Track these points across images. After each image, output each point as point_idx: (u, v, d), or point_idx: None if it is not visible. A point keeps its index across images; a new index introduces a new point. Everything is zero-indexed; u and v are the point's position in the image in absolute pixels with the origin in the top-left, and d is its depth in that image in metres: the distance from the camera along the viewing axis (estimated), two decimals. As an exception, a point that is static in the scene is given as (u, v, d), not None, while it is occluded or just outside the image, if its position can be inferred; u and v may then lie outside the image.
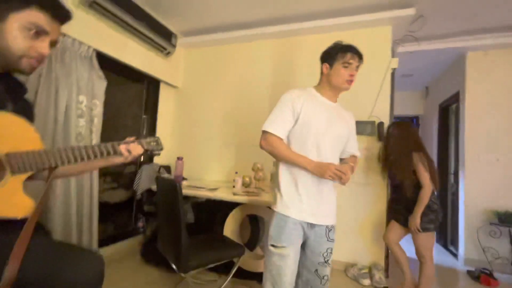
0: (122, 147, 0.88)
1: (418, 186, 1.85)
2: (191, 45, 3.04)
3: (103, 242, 2.33)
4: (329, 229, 1.24)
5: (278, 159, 1.22)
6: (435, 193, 1.90)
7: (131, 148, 0.90)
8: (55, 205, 1.76)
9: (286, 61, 2.71)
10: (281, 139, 1.19)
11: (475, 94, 2.79)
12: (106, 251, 2.36)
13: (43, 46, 0.75)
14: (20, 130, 0.72)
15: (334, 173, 1.08)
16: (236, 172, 2.45)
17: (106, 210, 2.71)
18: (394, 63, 2.38)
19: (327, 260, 1.23)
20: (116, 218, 2.88)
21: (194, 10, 2.49)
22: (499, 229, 2.54)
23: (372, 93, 2.39)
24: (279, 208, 1.19)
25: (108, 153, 0.85)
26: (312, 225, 1.19)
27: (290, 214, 1.16)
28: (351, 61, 1.19)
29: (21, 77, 0.86)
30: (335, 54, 1.22)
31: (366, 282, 2.12)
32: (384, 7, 2.24)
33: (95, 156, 0.82)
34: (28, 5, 0.71)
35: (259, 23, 2.63)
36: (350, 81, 1.22)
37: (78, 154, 0.79)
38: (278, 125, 1.19)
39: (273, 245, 1.17)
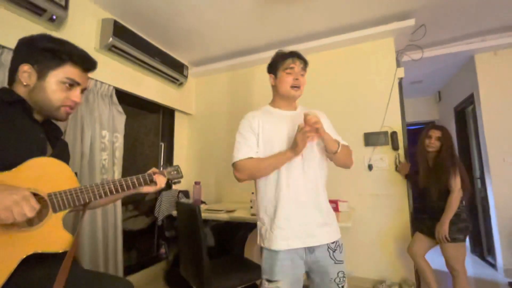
0: (151, 179, 0.96)
1: (445, 193, 1.78)
2: (201, 73, 3.21)
3: (127, 270, 2.37)
4: (333, 249, 1.09)
5: (261, 174, 1.12)
6: (463, 201, 1.82)
7: (158, 180, 0.97)
8: (83, 235, 1.84)
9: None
10: (252, 158, 1.11)
11: (490, 95, 2.73)
12: (131, 279, 2.39)
13: (76, 95, 0.87)
14: (59, 171, 0.81)
15: (307, 131, 1.00)
16: (253, 193, 2.47)
17: (129, 238, 2.78)
18: (400, 72, 2.40)
19: (342, 287, 1.08)
20: (139, 245, 2.94)
21: (202, 41, 2.66)
22: (538, 235, 2.36)
23: (382, 104, 2.40)
24: (263, 242, 1.10)
25: (134, 186, 0.92)
26: (310, 249, 1.07)
27: (275, 247, 1.04)
28: (292, 65, 1.17)
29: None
30: (276, 63, 1.21)
31: (397, 300, 2.01)
32: (384, 20, 2.30)
33: (122, 189, 0.89)
34: (63, 62, 0.83)
35: (264, 48, 2.76)
36: (296, 87, 1.17)
37: (107, 189, 0.86)
38: (244, 150, 1.13)
39: (267, 280, 1.06)
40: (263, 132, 1.15)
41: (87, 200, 0.82)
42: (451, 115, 3.65)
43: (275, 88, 1.24)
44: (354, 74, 2.55)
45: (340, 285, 1.07)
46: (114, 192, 0.87)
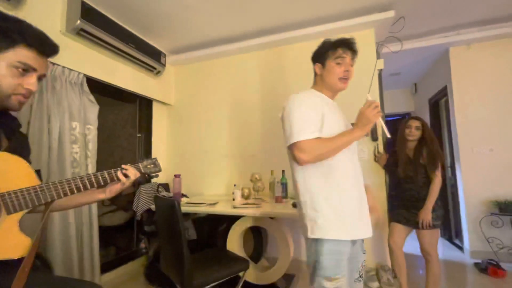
0: (119, 174, 0.89)
1: (427, 181, 1.84)
2: (180, 62, 3.08)
3: (105, 267, 2.29)
4: (362, 239, 1.07)
5: (328, 156, 0.99)
6: None
7: (128, 173, 0.90)
8: (54, 234, 1.73)
9: (274, 71, 2.76)
10: (319, 138, 0.98)
11: (462, 87, 2.85)
12: (109, 276, 2.32)
13: (30, 82, 0.76)
14: (14, 168, 0.72)
15: (377, 109, 0.97)
16: (235, 185, 2.45)
17: (107, 234, 2.67)
18: (380, 64, 2.43)
19: (361, 275, 1.07)
20: (117, 241, 2.84)
21: (181, 28, 2.54)
22: (501, 219, 2.55)
23: (362, 95, 2.43)
24: (326, 233, 0.96)
25: (105, 181, 0.86)
26: (353, 241, 1.02)
27: (343, 236, 0.96)
28: (343, 55, 1.10)
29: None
30: (325, 51, 1.13)
31: (375, 285, 2.09)
32: (365, 11, 2.31)
33: (92, 186, 0.82)
34: (15, 44, 0.72)
35: (245, 36, 2.68)
36: (344, 79, 1.11)
37: (74, 185, 0.79)
38: (309, 128, 0.98)
39: (327, 278, 0.94)
40: (327, 115, 1.03)
41: (49, 199, 0.74)
42: (425, 107, 3.80)
43: (321, 77, 1.15)
44: (335, 65, 2.55)
45: (360, 273, 1.07)
46: (82, 190, 0.79)
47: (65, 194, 0.77)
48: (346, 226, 0.98)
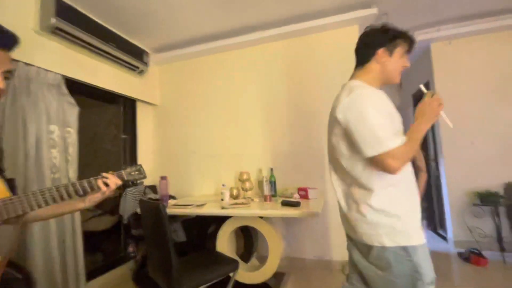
0: (100, 183, 0.85)
1: None
2: (164, 61, 3.01)
3: (92, 274, 2.22)
4: None
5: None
6: None
7: (108, 182, 0.86)
8: (34, 243, 1.66)
9: (259, 69, 2.74)
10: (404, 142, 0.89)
11: (444, 82, 2.92)
12: (97, 283, 2.25)
13: None
14: None
15: (439, 100, 0.93)
16: (223, 185, 2.42)
17: (93, 239, 2.59)
18: (365, 60, 2.45)
19: None
20: (104, 246, 2.76)
21: (164, 26, 2.47)
22: (482, 209, 2.64)
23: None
24: (412, 238, 0.89)
25: (85, 191, 0.81)
26: None
27: (423, 239, 0.91)
28: (411, 51, 1.02)
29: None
30: (397, 38, 1.00)
31: None
32: (348, 8, 2.32)
33: (70, 196, 0.78)
34: None
35: (230, 34, 2.64)
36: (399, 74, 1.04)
37: (49, 196, 0.74)
38: (394, 133, 0.90)
39: (432, 282, 0.90)
40: (395, 115, 0.96)
41: (20, 212, 0.69)
42: (409, 102, 3.88)
43: (382, 66, 1.02)
44: (319, 61, 2.55)
45: None
46: (59, 201, 0.75)
47: (39, 206, 0.72)
48: (420, 230, 0.92)
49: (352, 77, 1.09)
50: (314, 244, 2.49)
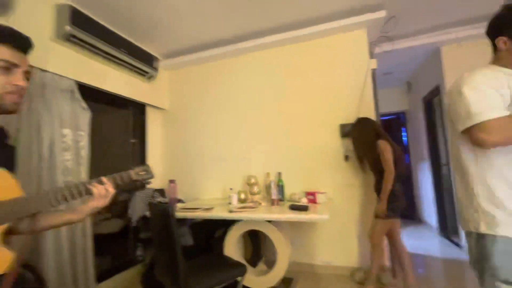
0: (93, 188, 0.84)
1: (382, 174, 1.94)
2: (173, 66, 3.06)
3: (101, 277, 2.24)
4: None
5: None
6: (400, 180, 1.99)
7: (94, 190, 0.84)
8: (46, 245, 1.69)
9: (267, 73, 2.75)
10: (509, 116, 0.84)
11: (455, 85, 2.87)
12: (106, 285, 2.27)
13: (17, 78, 0.74)
14: None
15: None
16: (231, 189, 2.43)
17: (102, 242, 2.63)
18: (373, 63, 2.44)
19: None
20: (113, 249, 2.79)
21: (173, 32, 2.52)
22: (497, 215, 2.55)
23: (356, 95, 2.43)
24: (505, 229, 0.85)
25: (79, 195, 0.82)
26: None
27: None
28: None
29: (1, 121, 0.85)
30: None
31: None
32: (357, 12, 2.32)
33: (65, 200, 0.78)
34: None
35: (238, 39, 2.68)
36: None
37: (60, 195, 0.76)
38: (496, 106, 0.84)
39: (506, 281, 0.83)
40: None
41: (32, 212, 0.71)
42: (420, 105, 3.82)
43: (507, 52, 0.97)
44: (328, 65, 2.55)
45: None
46: (55, 205, 0.76)
47: (52, 205, 0.74)
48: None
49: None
50: (322, 249, 2.46)
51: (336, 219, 2.39)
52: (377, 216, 1.96)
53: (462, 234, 2.82)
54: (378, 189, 2.02)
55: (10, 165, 0.77)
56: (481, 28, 2.63)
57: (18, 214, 0.69)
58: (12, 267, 0.66)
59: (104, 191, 0.85)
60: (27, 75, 0.79)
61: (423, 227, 3.98)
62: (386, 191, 1.89)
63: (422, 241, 3.38)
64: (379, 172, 1.99)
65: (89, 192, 0.84)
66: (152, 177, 1.03)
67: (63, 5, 1.88)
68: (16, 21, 1.64)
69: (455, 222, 3.03)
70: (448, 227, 3.33)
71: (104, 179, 0.87)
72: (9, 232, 0.71)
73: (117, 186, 0.89)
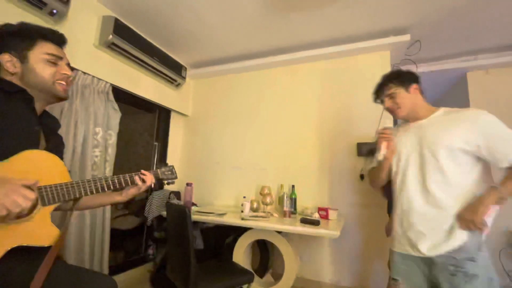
0: (137, 178, 0.97)
1: None
2: (199, 75, 3.23)
3: (113, 270, 2.33)
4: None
5: None
6: None
7: (146, 178, 0.98)
8: (70, 232, 1.81)
9: (291, 88, 2.83)
10: None
11: (480, 112, 2.79)
12: (116, 279, 2.34)
13: (64, 68, 0.89)
14: (50, 165, 0.81)
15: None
16: (244, 197, 2.48)
17: (117, 237, 2.74)
18: (395, 85, 2.44)
19: None
20: (126, 245, 2.90)
21: (202, 44, 2.69)
22: (522, 252, 2.41)
23: (376, 115, 2.43)
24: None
25: (126, 183, 0.93)
26: None
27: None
28: None
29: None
30: None
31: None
32: (381, 34, 2.36)
33: (114, 186, 0.90)
34: (35, 41, 0.84)
35: (262, 54, 2.79)
36: None
37: (99, 185, 0.86)
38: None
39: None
40: None
41: (77, 195, 0.81)
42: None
43: None
44: (350, 84, 2.59)
45: None
46: (106, 189, 0.87)
47: (91, 192, 0.84)
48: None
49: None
50: (331, 268, 2.42)
51: (346, 238, 2.36)
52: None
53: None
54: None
55: (61, 152, 0.89)
56: (509, 57, 2.58)
57: (66, 197, 0.79)
58: (57, 242, 0.75)
59: (141, 182, 0.98)
60: (69, 66, 0.93)
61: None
62: None
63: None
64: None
65: (133, 182, 0.97)
66: (175, 177, 1.12)
67: (109, 16, 2.09)
68: (67, 28, 1.85)
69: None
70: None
71: (143, 171, 1.00)
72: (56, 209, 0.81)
73: (143, 182, 0.99)
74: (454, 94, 3.30)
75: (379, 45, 2.41)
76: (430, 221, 1.09)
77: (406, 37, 2.28)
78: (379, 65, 2.49)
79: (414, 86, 1.26)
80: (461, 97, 3.03)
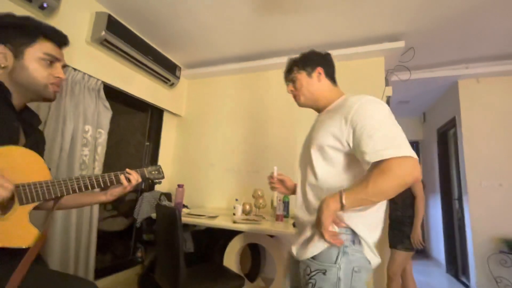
0: (122, 177, 0.93)
1: (409, 200, 1.91)
2: (193, 76, 3.19)
3: (99, 273, 2.26)
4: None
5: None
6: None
7: (131, 178, 0.94)
8: (54, 232, 1.75)
9: (283, 91, 2.81)
10: None
11: (471, 120, 2.85)
12: (103, 282, 2.28)
13: (59, 71, 0.85)
14: (29, 162, 0.76)
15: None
16: (236, 199, 2.45)
17: (105, 239, 2.66)
18: (388, 91, 2.47)
19: None
20: (114, 247, 2.82)
21: (197, 44, 2.66)
22: (510, 258, 2.44)
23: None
24: None
25: (111, 182, 0.89)
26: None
27: None
28: None
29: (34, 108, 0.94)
30: None
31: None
32: (376, 40, 2.39)
33: (98, 185, 0.86)
34: (36, 38, 0.80)
35: (258, 56, 2.79)
36: None
37: (82, 183, 0.82)
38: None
39: None
40: None
41: (59, 194, 0.77)
42: (434, 136, 3.78)
43: None
44: (344, 88, 2.57)
45: None
46: (89, 188, 0.83)
47: (73, 191, 0.80)
48: None
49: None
50: (323, 273, 2.39)
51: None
52: (405, 248, 1.90)
53: (472, 274, 2.69)
54: (398, 217, 1.96)
55: (41, 150, 0.85)
56: (501, 66, 2.64)
57: (46, 196, 0.75)
58: (36, 243, 0.71)
59: (126, 182, 0.95)
60: (64, 68, 0.89)
61: (431, 263, 3.82)
62: (420, 217, 1.84)
63: (429, 278, 3.24)
64: (404, 200, 1.94)
65: (118, 181, 0.93)
66: (163, 177, 1.09)
67: (102, 12, 2.04)
68: (58, 22, 1.79)
69: (466, 261, 2.90)
70: (457, 265, 3.19)
71: (129, 170, 0.97)
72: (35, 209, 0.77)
73: (129, 181, 0.96)
74: (445, 101, 3.36)
75: (374, 50, 2.43)
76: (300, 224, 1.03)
77: (401, 44, 2.30)
78: (373, 70, 2.51)
79: (318, 69, 1.08)
80: (452, 104, 3.08)
